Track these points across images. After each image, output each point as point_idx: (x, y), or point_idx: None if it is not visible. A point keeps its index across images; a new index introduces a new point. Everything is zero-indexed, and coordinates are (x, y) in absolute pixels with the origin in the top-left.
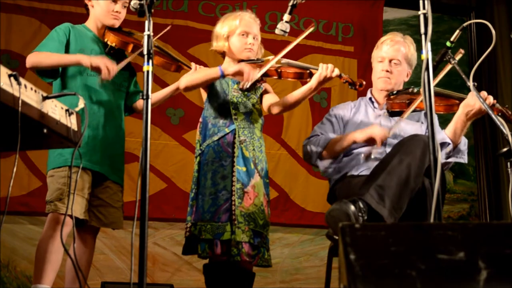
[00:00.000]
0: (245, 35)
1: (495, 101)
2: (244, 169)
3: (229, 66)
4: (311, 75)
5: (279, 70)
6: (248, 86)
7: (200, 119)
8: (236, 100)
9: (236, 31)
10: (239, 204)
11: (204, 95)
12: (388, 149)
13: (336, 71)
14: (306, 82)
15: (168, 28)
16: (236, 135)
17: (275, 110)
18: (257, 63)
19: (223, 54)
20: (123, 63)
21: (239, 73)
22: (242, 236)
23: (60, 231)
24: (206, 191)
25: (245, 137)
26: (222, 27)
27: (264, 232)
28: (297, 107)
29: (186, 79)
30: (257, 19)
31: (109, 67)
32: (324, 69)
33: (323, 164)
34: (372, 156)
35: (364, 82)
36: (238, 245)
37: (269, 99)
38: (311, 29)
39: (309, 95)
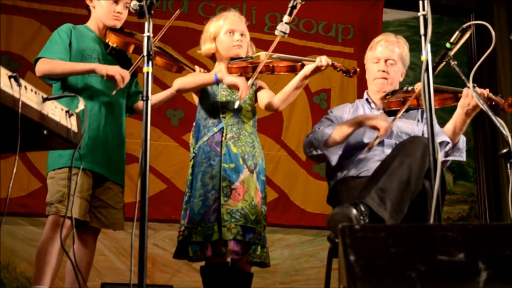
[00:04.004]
0: (231, 33)
1: (487, 90)
2: (232, 165)
3: (225, 75)
4: (303, 67)
5: (271, 65)
6: (243, 101)
7: (194, 123)
8: (225, 99)
9: (222, 31)
10: (225, 202)
11: (196, 98)
12: (386, 149)
13: (329, 61)
14: None
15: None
16: (224, 133)
17: (274, 106)
18: (247, 60)
19: (212, 57)
20: (132, 68)
21: (234, 86)
22: (227, 234)
23: (60, 233)
24: (196, 193)
25: (233, 133)
26: (208, 30)
27: (257, 228)
28: (297, 108)
29: (180, 82)
30: (242, 17)
31: (124, 76)
32: (318, 62)
33: (329, 151)
34: (376, 143)
35: (358, 69)
36: (225, 244)
37: (265, 96)
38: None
39: (304, 82)
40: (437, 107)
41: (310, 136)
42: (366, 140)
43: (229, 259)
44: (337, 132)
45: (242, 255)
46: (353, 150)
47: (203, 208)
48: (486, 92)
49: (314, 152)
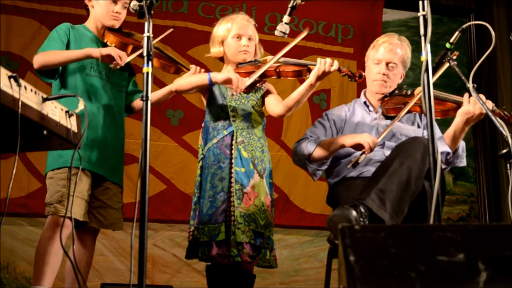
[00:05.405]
0: (239, 38)
1: (493, 104)
2: (243, 170)
3: (217, 74)
4: (309, 71)
5: (277, 70)
6: (237, 94)
7: (203, 124)
8: (234, 103)
9: (229, 35)
10: (239, 205)
11: (204, 100)
12: (386, 151)
13: (335, 65)
14: (305, 80)
15: (170, 31)
16: (234, 137)
17: (279, 112)
18: (255, 64)
19: (221, 59)
20: (132, 56)
21: (227, 82)
22: (242, 236)
23: (59, 233)
24: (205, 194)
25: (243, 138)
26: (216, 32)
27: (266, 232)
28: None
29: (177, 83)
30: (251, 20)
31: (120, 54)
32: (322, 64)
33: (311, 167)
34: (360, 161)
35: (363, 73)
36: (239, 246)
37: (272, 101)
38: (306, 32)
39: (310, 91)
40: (439, 117)
41: (296, 145)
42: None
43: (238, 259)
44: (319, 151)
45: (253, 259)
46: (351, 152)
47: (211, 209)
48: (490, 104)
49: (299, 162)
